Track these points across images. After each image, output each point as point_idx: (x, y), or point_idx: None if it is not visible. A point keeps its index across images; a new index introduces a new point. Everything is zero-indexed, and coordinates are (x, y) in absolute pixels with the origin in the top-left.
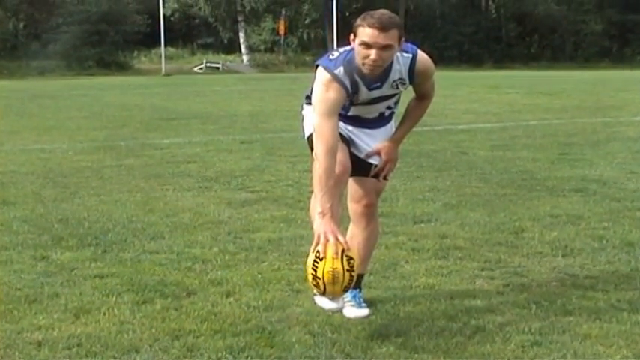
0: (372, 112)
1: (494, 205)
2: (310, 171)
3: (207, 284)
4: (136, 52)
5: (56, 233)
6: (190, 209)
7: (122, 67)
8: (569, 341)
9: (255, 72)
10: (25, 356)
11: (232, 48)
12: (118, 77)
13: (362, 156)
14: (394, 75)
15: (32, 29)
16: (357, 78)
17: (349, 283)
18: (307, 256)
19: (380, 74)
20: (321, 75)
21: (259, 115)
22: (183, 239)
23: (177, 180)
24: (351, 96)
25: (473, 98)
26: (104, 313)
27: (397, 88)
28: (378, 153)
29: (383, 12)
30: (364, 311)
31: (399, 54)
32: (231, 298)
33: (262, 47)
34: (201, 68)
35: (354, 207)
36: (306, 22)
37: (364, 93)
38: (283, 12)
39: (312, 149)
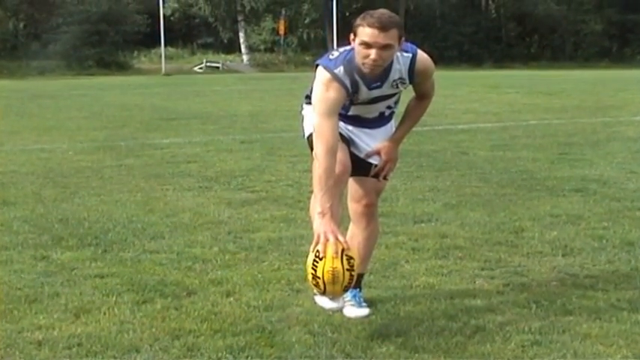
0: (372, 111)
1: (495, 205)
2: (310, 171)
3: (208, 284)
4: (135, 52)
5: (56, 233)
6: (190, 209)
7: (122, 67)
8: (570, 341)
9: (255, 72)
10: (26, 356)
11: (232, 48)
12: (118, 77)
13: (362, 156)
14: (394, 74)
15: (32, 29)
16: (357, 77)
17: (349, 283)
18: (307, 256)
19: (380, 74)
20: (321, 75)
21: (259, 115)
22: (183, 239)
23: (177, 180)
24: (351, 95)
25: (473, 98)
26: (104, 313)
27: (397, 87)
28: (377, 153)
29: (383, 11)
30: (364, 311)
31: (398, 53)
32: (232, 298)
33: (262, 47)
34: (201, 68)
35: (354, 207)
36: (306, 21)
37: (364, 92)
38: (283, 12)
39: (312, 149)
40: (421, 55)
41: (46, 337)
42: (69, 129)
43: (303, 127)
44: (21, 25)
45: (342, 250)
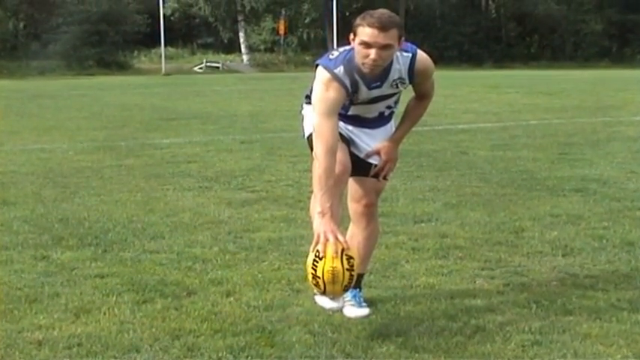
0: (371, 111)
1: (495, 205)
2: (310, 171)
3: (208, 284)
4: (136, 52)
5: (56, 233)
6: (190, 209)
7: (122, 67)
8: (570, 341)
9: (255, 72)
10: (26, 356)
11: (232, 48)
12: (118, 77)
13: (362, 155)
14: (394, 74)
15: (32, 29)
16: (357, 77)
17: (349, 283)
18: (307, 256)
19: (380, 74)
20: (321, 74)
21: (259, 115)
22: (183, 239)
23: (177, 180)
24: (350, 95)
25: (473, 98)
26: (104, 313)
27: (397, 87)
28: (377, 153)
29: (383, 11)
30: (364, 311)
31: (398, 53)
32: (232, 298)
33: (262, 47)
34: (201, 68)
35: (353, 207)
36: (306, 21)
37: (364, 92)
38: (283, 12)
39: (312, 149)
40: (421, 55)
41: (46, 337)
42: (69, 129)
43: (303, 127)
44: (21, 25)
45: (342, 250)
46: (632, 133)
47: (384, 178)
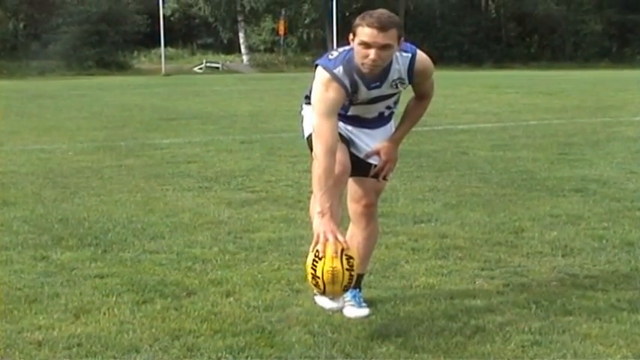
0: (371, 111)
1: (494, 205)
2: (310, 171)
3: (208, 284)
4: (135, 52)
5: (56, 233)
6: (190, 209)
7: (122, 67)
8: (569, 341)
9: (255, 72)
10: (25, 356)
11: (232, 48)
12: (118, 77)
13: (361, 156)
14: (393, 74)
15: (32, 29)
16: (357, 77)
17: (349, 283)
18: (307, 256)
19: (379, 74)
20: (321, 75)
21: (259, 115)
22: (183, 239)
23: (177, 180)
24: (350, 95)
25: (473, 98)
26: (104, 313)
27: (396, 87)
28: (377, 153)
29: (382, 11)
30: (364, 311)
31: (398, 53)
32: (231, 298)
33: (262, 47)
34: (201, 68)
35: (353, 207)
36: (306, 22)
37: (363, 92)
38: (283, 12)
39: (311, 149)
40: (420, 55)
41: (46, 338)
42: (69, 129)
43: (302, 127)
44: (21, 25)
45: (342, 250)
46: (632, 133)
47: (384, 178)
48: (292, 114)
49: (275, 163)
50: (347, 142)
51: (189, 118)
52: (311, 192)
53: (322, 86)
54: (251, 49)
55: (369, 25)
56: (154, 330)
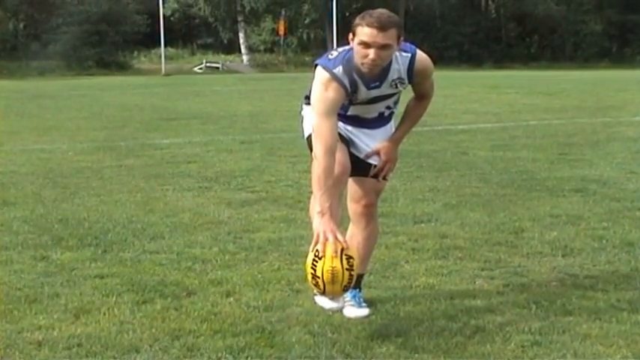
0: (371, 111)
1: (494, 205)
2: (310, 171)
3: (207, 284)
4: (135, 52)
5: (56, 233)
6: (190, 209)
7: (122, 68)
8: (569, 341)
9: (255, 72)
10: (25, 356)
11: (232, 48)
12: (118, 77)
13: (361, 156)
14: (393, 74)
15: (32, 29)
16: (356, 77)
17: (349, 283)
18: (307, 256)
19: (379, 73)
20: (320, 74)
21: (259, 115)
22: (183, 239)
23: (177, 180)
24: (350, 95)
25: (473, 98)
26: (104, 314)
27: (396, 87)
28: (377, 153)
29: (382, 11)
30: (364, 311)
31: (397, 53)
32: (231, 298)
33: (262, 47)
34: (200, 68)
35: (353, 207)
36: (306, 22)
37: (363, 92)
38: (283, 12)
39: (311, 149)
40: (420, 54)
41: (46, 338)
42: (69, 129)
43: (302, 127)
44: (21, 25)
45: (342, 250)
46: (632, 133)
47: (384, 178)
48: (292, 114)
49: (275, 163)
50: (347, 142)
51: (189, 118)
52: (311, 192)
53: (322, 86)
54: (251, 49)
55: (368, 25)
56: (154, 330)
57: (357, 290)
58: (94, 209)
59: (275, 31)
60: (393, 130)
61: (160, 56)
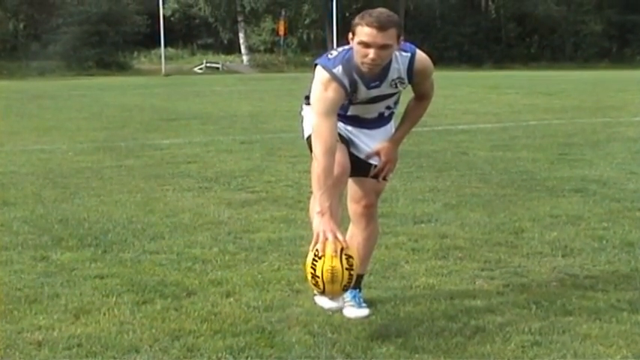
0: (371, 112)
1: (494, 206)
2: (310, 171)
3: (208, 284)
4: (135, 53)
5: (56, 234)
6: (190, 209)
7: (122, 68)
8: (569, 341)
9: (255, 72)
10: (25, 356)
11: (232, 48)
12: (118, 78)
13: (362, 156)
14: (393, 74)
15: (32, 30)
16: (356, 77)
17: (348, 282)
18: (307, 256)
19: (379, 73)
20: (320, 74)
21: (259, 116)
22: (183, 240)
23: (177, 180)
24: (349, 95)
25: (473, 98)
26: (104, 314)
27: (396, 87)
28: (377, 153)
29: (381, 11)
30: (364, 311)
31: (397, 53)
32: (232, 299)
33: (262, 47)
34: (201, 68)
35: (353, 207)
36: (306, 22)
37: (363, 92)
38: (283, 12)
39: (311, 150)
40: (420, 54)
41: (46, 338)
42: (69, 129)
43: (302, 127)
44: (21, 25)
45: (341, 249)
46: (632, 133)
47: (384, 178)
48: (292, 114)
49: (275, 163)
50: (347, 142)
51: (189, 119)
52: (311, 192)
53: (321, 86)
54: (251, 50)
55: (368, 25)
56: (153, 330)
57: (357, 290)
58: (94, 209)
59: (275, 32)
60: (393, 130)
61: (160, 56)
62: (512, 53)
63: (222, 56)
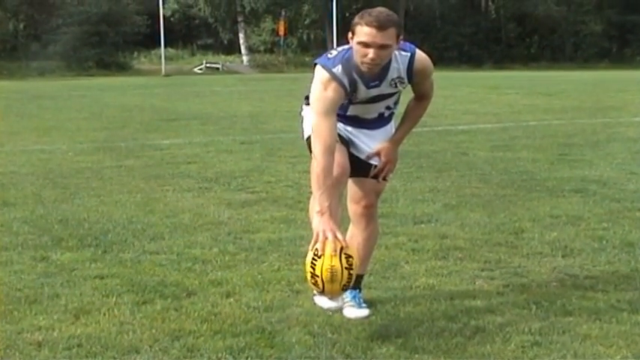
0: (371, 112)
1: (494, 206)
2: (309, 171)
3: (208, 285)
4: (135, 53)
5: (56, 234)
6: (190, 210)
7: (122, 68)
8: (569, 342)
9: (254, 73)
10: (25, 357)
11: (232, 49)
12: (118, 78)
13: (362, 157)
14: (392, 73)
15: (32, 30)
16: (356, 76)
17: (348, 282)
18: (306, 255)
19: (378, 72)
20: (320, 74)
21: (259, 116)
22: (183, 240)
23: (177, 181)
24: (349, 94)
25: (473, 99)
26: (104, 314)
27: (396, 87)
28: (377, 154)
29: (381, 10)
30: (364, 312)
31: (397, 52)
32: (231, 299)
33: (262, 48)
34: (200, 69)
35: (353, 208)
36: (306, 22)
37: (363, 91)
38: (283, 12)
39: (311, 151)
40: (420, 54)
41: (46, 338)
42: (69, 130)
43: (302, 128)
44: (21, 25)
45: (341, 249)
46: (632, 134)
47: (384, 179)
48: (292, 115)
49: (275, 163)
50: (346, 143)
51: (189, 119)
52: (311, 193)
53: (321, 85)
54: (251, 50)
55: (367, 25)
56: (153, 331)
57: (357, 291)
58: (94, 210)
59: (275, 32)
60: (394, 130)
61: (160, 57)
62: (512, 53)
63: (222, 56)
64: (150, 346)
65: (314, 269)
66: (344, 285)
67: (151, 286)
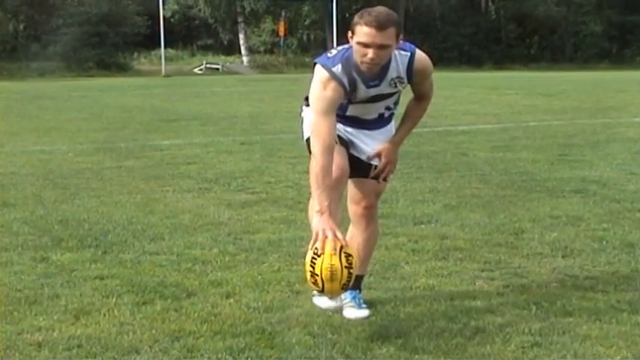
0: (370, 112)
1: (495, 206)
2: (309, 172)
3: (207, 285)
4: (135, 54)
5: (56, 234)
6: (190, 210)
7: (122, 69)
8: (570, 342)
9: (255, 73)
10: (25, 357)
11: (232, 49)
12: (118, 78)
13: (362, 157)
14: (392, 73)
15: (32, 30)
16: (355, 76)
17: (347, 281)
18: (306, 255)
19: (378, 72)
20: (319, 73)
21: (259, 117)
22: (183, 240)
23: (177, 181)
24: (349, 94)
25: (473, 99)
26: (104, 315)
27: (395, 86)
28: (378, 154)
29: (380, 9)
30: (364, 312)
31: (397, 52)
32: (231, 300)
33: (262, 48)
34: (201, 69)
35: (353, 208)
36: (306, 23)
37: (362, 91)
38: (283, 13)
39: (310, 152)
40: (419, 54)
41: (46, 339)
42: (69, 130)
43: (302, 129)
44: (21, 26)
45: (341, 247)
46: (632, 134)
47: (384, 179)
48: (292, 115)
49: (275, 164)
50: (346, 144)
51: (189, 120)
52: (310, 193)
53: (321, 84)
54: (251, 51)
55: (367, 24)
56: (153, 331)
57: (357, 291)
58: (94, 210)
59: (275, 32)
60: (394, 131)
61: (160, 57)
62: (512, 54)
63: (222, 57)
64: (150, 347)
65: (314, 268)
66: (344, 284)
67: (151, 287)
